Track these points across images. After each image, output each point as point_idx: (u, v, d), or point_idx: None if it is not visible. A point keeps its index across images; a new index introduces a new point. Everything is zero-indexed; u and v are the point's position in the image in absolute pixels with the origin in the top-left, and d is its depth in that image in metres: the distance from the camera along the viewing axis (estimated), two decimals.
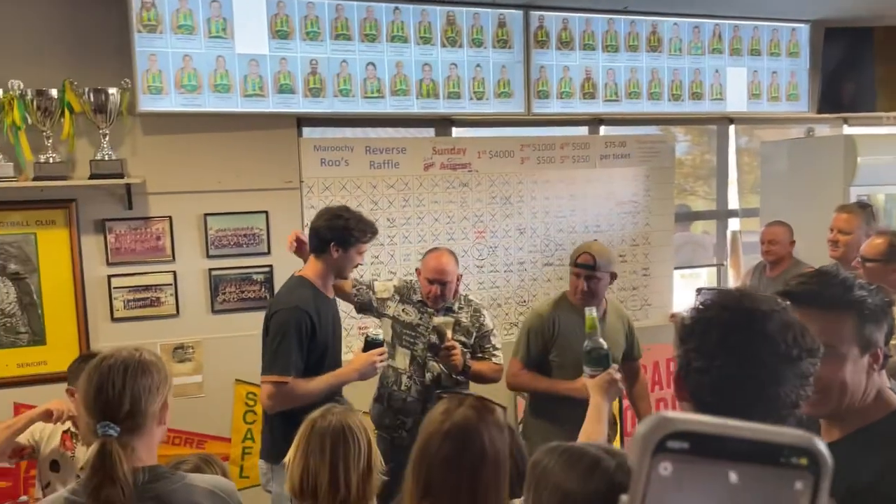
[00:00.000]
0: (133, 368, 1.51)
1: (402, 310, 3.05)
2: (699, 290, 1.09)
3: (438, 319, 2.94)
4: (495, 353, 3.09)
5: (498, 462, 1.50)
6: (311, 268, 2.79)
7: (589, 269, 2.94)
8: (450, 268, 2.97)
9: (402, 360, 3.03)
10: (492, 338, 3.10)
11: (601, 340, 2.24)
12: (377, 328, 2.82)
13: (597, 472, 0.86)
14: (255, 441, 3.69)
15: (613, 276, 3.03)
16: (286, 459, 1.86)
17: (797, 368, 1.07)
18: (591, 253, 2.96)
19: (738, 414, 1.05)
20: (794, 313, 1.11)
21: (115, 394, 1.49)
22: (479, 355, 3.07)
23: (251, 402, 3.69)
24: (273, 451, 2.65)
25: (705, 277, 5.20)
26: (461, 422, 1.53)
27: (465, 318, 3.05)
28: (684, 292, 4.76)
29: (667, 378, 4.40)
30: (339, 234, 2.71)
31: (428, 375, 3.01)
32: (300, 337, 2.63)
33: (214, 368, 3.58)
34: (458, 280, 3.05)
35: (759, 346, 1.06)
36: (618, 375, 2.18)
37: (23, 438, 2.46)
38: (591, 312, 2.32)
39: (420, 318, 3.03)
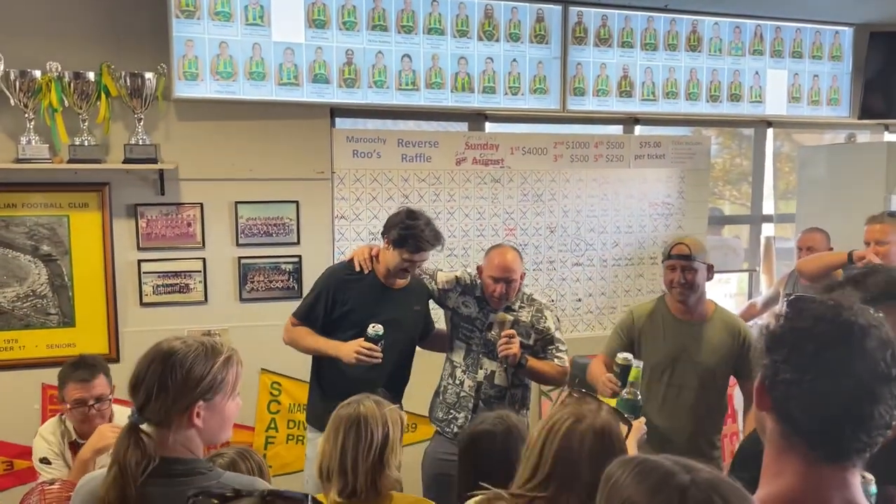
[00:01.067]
0: (157, 363, 1.48)
1: (462, 302, 2.99)
2: (788, 295, 1.05)
3: (497, 315, 2.87)
4: (559, 354, 2.98)
5: None
6: (380, 250, 2.94)
7: (685, 260, 2.82)
8: (515, 265, 2.89)
9: (458, 353, 2.99)
10: (555, 339, 2.98)
11: (639, 392, 2.49)
12: (378, 325, 2.74)
13: (667, 487, 0.82)
14: (278, 430, 3.69)
15: (711, 270, 2.90)
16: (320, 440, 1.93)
17: (894, 388, 1.02)
18: (685, 243, 2.87)
19: (828, 431, 1.02)
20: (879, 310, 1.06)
21: (136, 384, 1.49)
22: (542, 356, 2.96)
23: (276, 392, 3.68)
24: (310, 415, 3.05)
25: (736, 283, 5.11)
26: (608, 423, 1.55)
27: (525, 316, 2.95)
28: (715, 296, 4.68)
29: None
30: (391, 227, 2.83)
31: (481, 372, 2.95)
32: (319, 298, 2.90)
33: (240, 357, 3.57)
34: (521, 278, 2.95)
35: (857, 362, 1.01)
36: (644, 428, 2.32)
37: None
38: (638, 366, 2.52)
39: (479, 313, 2.95)
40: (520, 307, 2.96)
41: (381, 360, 2.74)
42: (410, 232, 2.77)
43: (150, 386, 1.47)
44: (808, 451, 1.04)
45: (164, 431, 1.48)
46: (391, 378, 2.93)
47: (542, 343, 2.96)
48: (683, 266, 2.83)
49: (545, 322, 2.97)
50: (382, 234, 2.91)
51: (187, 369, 1.48)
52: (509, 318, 2.86)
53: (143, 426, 1.47)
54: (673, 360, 2.85)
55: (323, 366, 2.95)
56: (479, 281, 2.97)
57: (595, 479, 1.28)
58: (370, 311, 2.82)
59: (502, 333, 2.80)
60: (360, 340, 2.73)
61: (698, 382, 2.83)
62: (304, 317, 2.93)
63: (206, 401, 1.49)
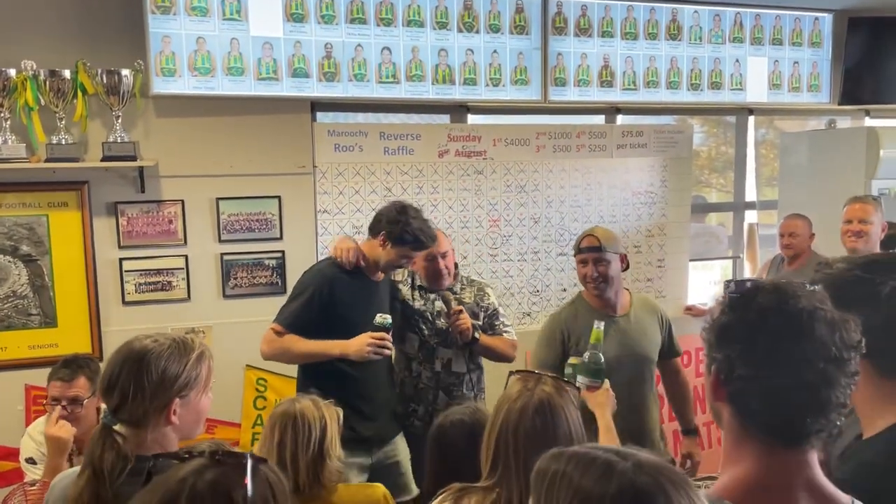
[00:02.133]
0: (131, 363, 1.47)
1: (412, 295, 3.03)
2: (728, 283, 1.05)
3: (443, 294, 2.91)
4: (506, 328, 3.03)
5: (579, 437, 1.52)
6: (363, 245, 2.87)
7: (596, 252, 2.69)
8: (443, 238, 2.97)
9: (410, 345, 3.01)
10: (500, 315, 3.05)
11: (601, 355, 2.36)
12: (386, 315, 2.74)
13: (614, 475, 0.83)
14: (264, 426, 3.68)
15: (624, 261, 2.77)
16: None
17: (847, 368, 1.04)
18: (594, 235, 2.74)
19: (788, 419, 1.03)
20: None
21: (109, 384, 1.48)
22: (490, 333, 3.01)
23: (261, 388, 3.67)
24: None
25: (720, 270, 5.14)
26: (545, 397, 1.54)
27: (468, 297, 3.01)
28: (698, 284, 4.71)
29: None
30: (387, 224, 2.75)
31: (438, 362, 2.98)
32: (312, 299, 2.73)
33: (225, 353, 3.53)
34: (452, 255, 3.01)
35: (810, 351, 1.03)
36: (611, 391, 2.33)
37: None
38: (599, 327, 2.39)
39: (424, 304, 3.00)
40: (461, 289, 3.02)
41: (391, 352, 2.74)
42: (411, 229, 2.72)
43: (126, 386, 1.46)
44: (767, 437, 1.06)
45: (139, 431, 1.47)
46: (386, 379, 2.94)
47: (489, 319, 3.01)
48: (595, 259, 2.69)
49: (488, 299, 3.04)
50: (373, 229, 2.83)
51: (163, 368, 1.47)
52: (453, 296, 2.91)
53: (116, 427, 1.46)
54: (616, 359, 2.59)
55: (320, 375, 2.74)
56: (417, 273, 3.02)
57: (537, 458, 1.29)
58: (364, 308, 2.76)
59: (452, 310, 2.83)
60: (368, 334, 2.66)
61: (645, 374, 2.75)
62: (292, 323, 2.73)
63: (181, 398, 1.49)
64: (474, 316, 2.96)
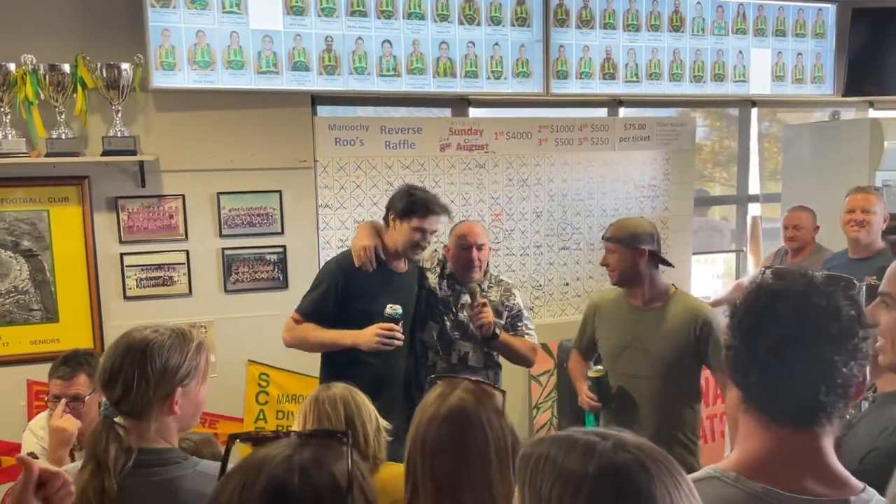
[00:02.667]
0: (133, 353, 1.46)
1: (438, 283, 2.99)
2: (763, 271, 1.12)
3: (470, 286, 2.87)
4: (528, 332, 2.98)
5: (500, 448, 1.42)
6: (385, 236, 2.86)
7: (604, 241, 2.70)
8: (482, 231, 2.95)
9: (430, 334, 2.96)
10: (524, 317, 2.99)
11: (603, 386, 2.68)
12: (396, 305, 2.71)
13: (594, 453, 0.82)
14: (267, 422, 3.68)
15: (642, 254, 2.64)
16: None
17: (854, 351, 1.05)
18: (612, 225, 2.74)
19: (795, 401, 1.03)
20: None
21: (110, 377, 1.47)
22: (511, 334, 2.96)
23: (263, 383, 3.67)
24: None
25: (723, 263, 5.13)
26: (458, 405, 1.43)
27: (494, 296, 2.96)
28: (701, 278, 4.70)
29: None
30: (395, 203, 2.77)
31: (454, 354, 2.94)
32: (328, 291, 2.75)
33: (227, 348, 3.56)
34: (488, 251, 2.97)
35: (811, 333, 1.05)
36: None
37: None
38: (599, 373, 2.68)
39: (451, 295, 2.96)
40: (489, 287, 2.97)
41: (402, 342, 2.69)
42: (417, 198, 2.74)
43: (129, 378, 1.45)
44: (770, 416, 1.09)
45: (141, 422, 1.47)
46: (409, 370, 2.91)
47: (512, 319, 2.97)
48: (608, 249, 2.70)
49: (514, 300, 2.99)
50: (386, 213, 2.83)
51: (166, 358, 1.47)
52: (480, 288, 2.87)
53: (117, 419, 1.46)
54: (622, 349, 2.69)
55: (338, 363, 2.79)
56: (446, 260, 2.98)
57: (447, 468, 1.29)
58: (383, 299, 2.73)
59: (475, 303, 2.79)
60: (378, 325, 2.65)
61: (651, 371, 2.66)
62: (309, 312, 2.78)
63: (183, 387, 1.49)
64: (497, 314, 2.91)
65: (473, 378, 1.54)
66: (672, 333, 2.64)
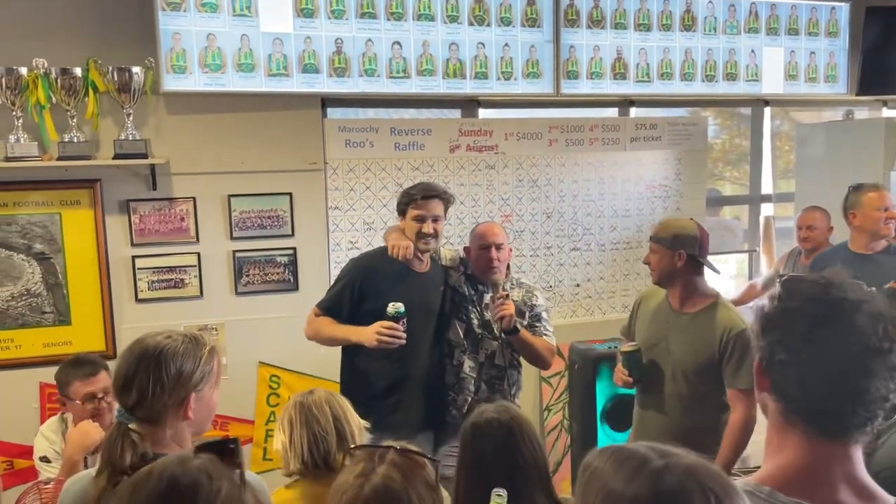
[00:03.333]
0: (148, 360, 1.47)
1: (461, 282, 2.99)
2: (782, 277, 1.08)
3: (493, 277, 2.88)
4: (547, 333, 2.97)
5: None
6: None
7: (650, 241, 2.75)
8: (502, 231, 2.98)
9: (456, 332, 2.96)
10: (543, 319, 2.98)
11: (635, 361, 2.73)
12: (398, 304, 2.70)
13: (642, 472, 0.81)
14: None
15: (680, 257, 2.63)
16: (277, 444, 1.94)
17: (888, 361, 1.02)
18: (659, 223, 2.80)
19: (825, 408, 1.01)
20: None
21: (125, 383, 1.48)
22: (530, 333, 2.96)
23: (274, 385, 3.67)
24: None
25: (735, 264, 5.09)
26: (381, 485, 1.28)
27: (516, 296, 2.94)
28: (714, 278, 4.65)
29: None
30: (399, 202, 2.88)
31: (482, 353, 2.95)
32: (345, 289, 2.83)
33: (238, 351, 3.57)
34: (509, 252, 2.99)
35: (848, 338, 1.02)
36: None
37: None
38: (632, 348, 2.74)
39: (474, 293, 2.97)
40: (510, 288, 2.95)
41: (404, 341, 2.67)
42: (412, 186, 2.86)
43: (144, 384, 1.46)
44: (808, 427, 1.06)
45: (156, 428, 1.47)
46: (431, 369, 2.91)
47: (531, 320, 2.96)
48: (651, 248, 2.74)
49: (536, 300, 2.99)
50: (398, 212, 2.91)
51: (180, 364, 1.49)
52: (501, 280, 2.88)
53: (132, 425, 1.46)
54: (651, 346, 2.75)
55: (355, 360, 2.85)
56: (468, 261, 3.00)
57: None
58: (402, 299, 2.72)
59: (497, 295, 2.79)
60: (379, 323, 2.65)
61: (671, 374, 2.69)
62: (327, 307, 2.85)
63: (196, 392, 1.50)
64: (520, 314, 2.91)
65: (399, 447, 1.37)
66: (697, 341, 2.62)
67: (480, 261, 2.90)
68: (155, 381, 1.46)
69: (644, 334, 2.81)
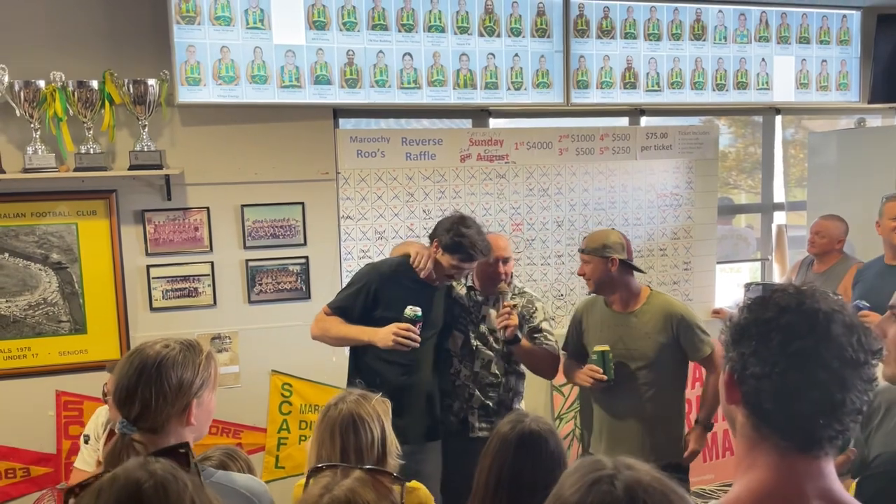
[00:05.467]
0: (149, 371, 1.48)
1: (463, 293, 3.05)
2: (748, 286, 1.05)
3: (500, 286, 2.94)
4: (548, 342, 3.00)
5: None
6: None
7: (580, 252, 2.99)
8: (506, 244, 3.03)
9: (454, 342, 3.01)
10: (542, 329, 3.01)
11: (604, 360, 2.85)
12: (416, 307, 2.75)
13: (596, 487, 0.83)
14: (290, 431, 3.70)
15: (614, 263, 2.87)
16: (307, 444, 1.88)
17: (864, 373, 1.01)
18: (586, 237, 3.03)
19: (800, 422, 1.01)
20: None
21: (127, 395, 1.48)
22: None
23: (287, 393, 3.70)
24: None
25: (748, 272, 5.07)
26: (343, 496, 1.27)
27: (518, 303, 2.99)
28: (726, 287, 4.65)
29: None
30: (443, 232, 2.82)
31: (478, 362, 2.98)
32: (359, 293, 2.85)
33: (251, 359, 3.60)
34: (512, 264, 3.06)
35: (824, 351, 1.00)
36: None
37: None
38: (605, 348, 2.85)
39: (473, 305, 3.02)
40: (511, 297, 2.99)
41: (418, 345, 2.72)
42: (464, 240, 2.77)
43: (147, 395, 1.47)
44: (781, 442, 1.03)
45: (159, 437, 1.48)
46: (434, 378, 2.94)
47: (531, 332, 3.00)
48: (583, 260, 2.96)
49: (535, 312, 3.03)
50: (431, 236, 2.91)
51: (181, 372, 1.50)
52: (508, 290, 2.95)
53: (135, 436, 1.47)
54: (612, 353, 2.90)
55: (364, 368, 2.89)
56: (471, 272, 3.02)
57: None
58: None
59: (503, 304, 2.85)
60: (395, 325, 2.70)
61: (635, 367, 2.88)
62: (338, 307, 2.88)
63: (197, 398, 1.52)
64: (519, 325, 2.94)
65: (367, 467, 1.36)
66: (652, 333, 2.89)
67: (487, 273, 2.95)
68: (157, 392, 1.47)
69: (600, 342, 2.92)
